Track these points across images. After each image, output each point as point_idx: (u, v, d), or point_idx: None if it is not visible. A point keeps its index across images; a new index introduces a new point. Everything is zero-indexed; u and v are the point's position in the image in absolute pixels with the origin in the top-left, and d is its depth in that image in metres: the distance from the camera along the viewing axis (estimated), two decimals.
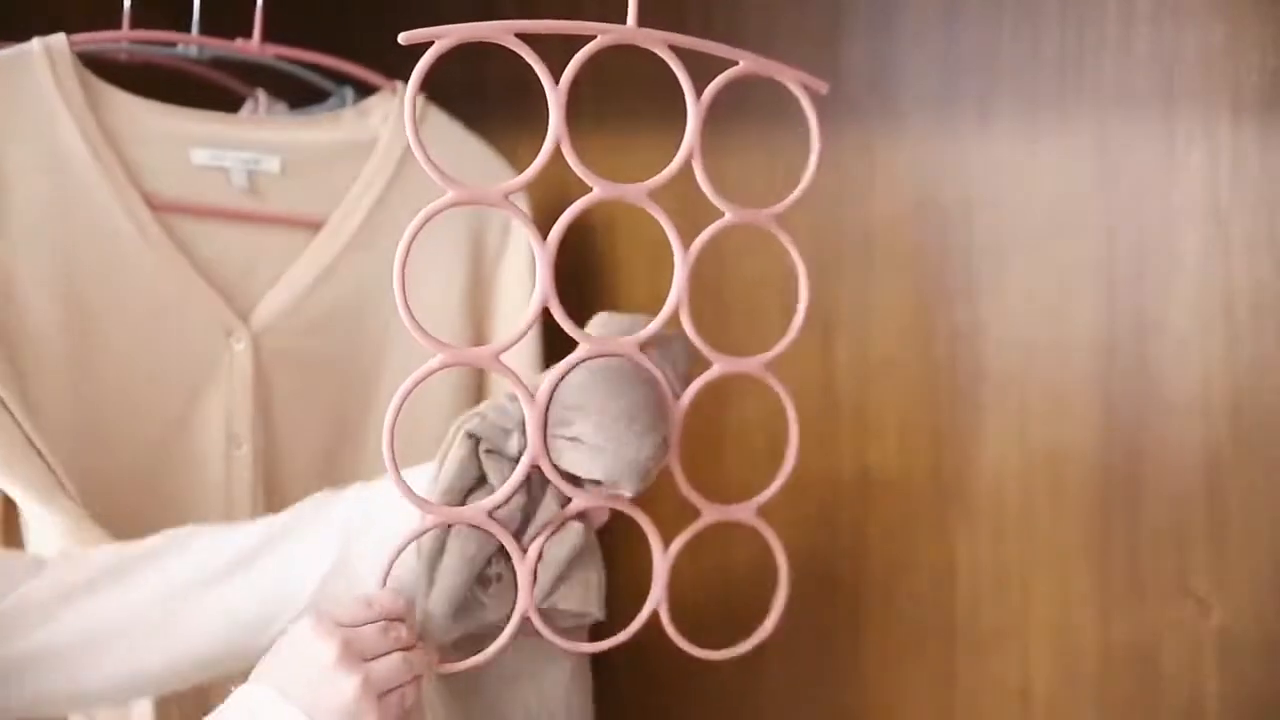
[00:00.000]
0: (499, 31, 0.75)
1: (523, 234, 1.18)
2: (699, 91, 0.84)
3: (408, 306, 0.77)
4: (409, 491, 0.80)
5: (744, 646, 0.93)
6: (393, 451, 0.78)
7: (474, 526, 0.82)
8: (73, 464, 0.99)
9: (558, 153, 0.80)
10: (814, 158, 0.88)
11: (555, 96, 0.78)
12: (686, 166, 0.84)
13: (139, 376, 1.04)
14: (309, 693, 0.75)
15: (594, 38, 0.80)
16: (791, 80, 0.87)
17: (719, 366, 0.88)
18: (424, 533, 0.82)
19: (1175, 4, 1.09)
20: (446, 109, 1.18)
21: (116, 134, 1.03)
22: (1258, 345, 1.07)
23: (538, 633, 0.85)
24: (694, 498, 0.89)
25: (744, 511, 0.92)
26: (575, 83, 0.79)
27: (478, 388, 1.16)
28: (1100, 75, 1.12)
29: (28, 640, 0.84)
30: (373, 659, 0.77)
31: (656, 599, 0.88)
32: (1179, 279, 1.09)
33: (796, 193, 0.89)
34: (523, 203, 1.13)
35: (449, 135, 1.17)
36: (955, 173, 1.18)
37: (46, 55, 1.01)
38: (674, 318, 0.86)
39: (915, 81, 1.20)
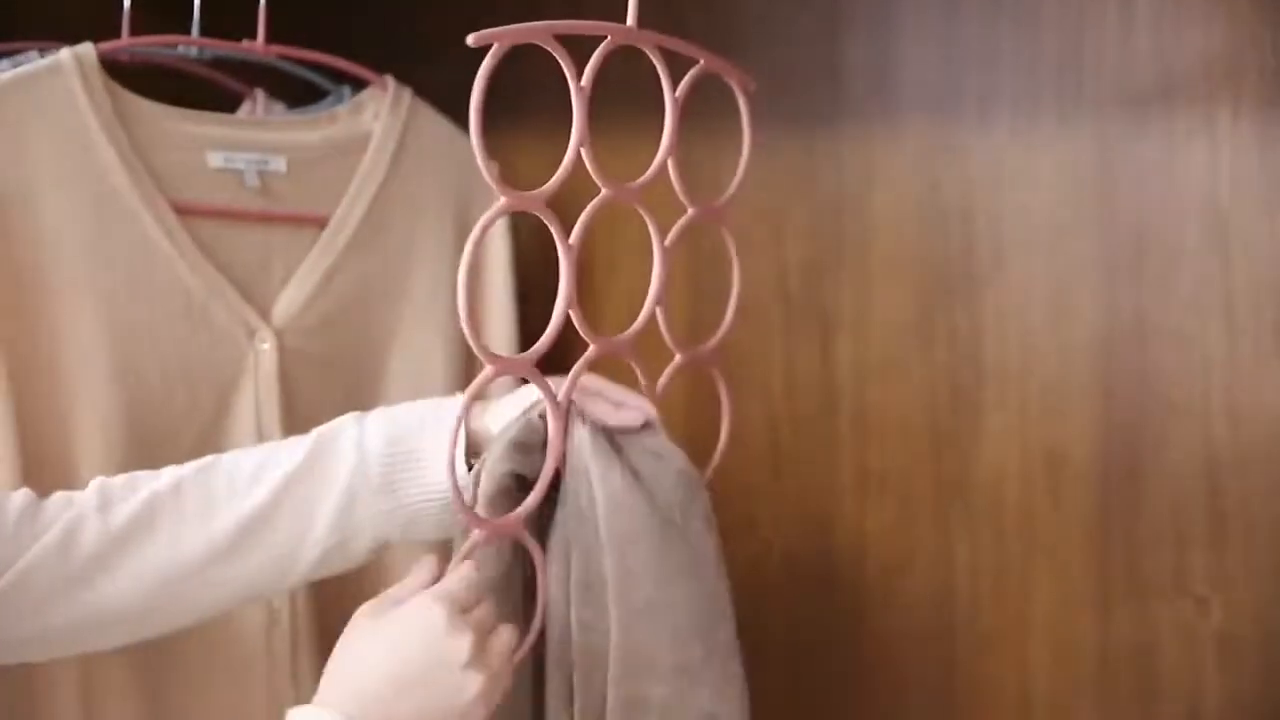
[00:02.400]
0: (542, 33, 0.77)
1: (500, 225, 1.19)
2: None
3: (471, 319, 0.77)
4: (462, 506, 0.80)
5: None
6: (453, 463, 0.79)
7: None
8: (112, 472, 1.00)
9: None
10: (745, 153, 0.92)
11: (580, 98, 0.80)
12: (688, 165, 0.85)
13: (174, 381, 1.05)
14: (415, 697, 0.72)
15: (601, 38, 0.82)
16: (731, 77, 0.90)
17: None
18: (474, 546, 0.82)
19: (1175, 4, 1.09)
20: (443, 109, 1.19)
21: (141, 141, 1.04)
22: (1258, 345, 1.07)
23: None
24: None
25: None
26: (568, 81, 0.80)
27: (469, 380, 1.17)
28: (1100, 75, 1.12)
29: (33, 621, 0.82)
30: (489, 644, 0.75)
31: None
32: (1179, 279, 1.09)
33: (733, 187, 0.93)
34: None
35: (437, 132, 1.18)
36: (955, 172, 1.19)
37: (78, 66, 1.02)
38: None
39: (915, 81, 1.20)
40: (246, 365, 1.08)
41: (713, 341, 0.94)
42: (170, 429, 1.04)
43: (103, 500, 0.84)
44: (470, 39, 0.75)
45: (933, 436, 1.20)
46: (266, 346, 1.08)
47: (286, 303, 1.10)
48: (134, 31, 1.13)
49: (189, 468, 0.87)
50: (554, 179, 0.80)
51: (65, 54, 1.03)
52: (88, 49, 1.03)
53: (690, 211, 0.90)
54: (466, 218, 1.19)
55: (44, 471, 0.98)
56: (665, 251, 0.88)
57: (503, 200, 0.79)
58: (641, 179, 0.86)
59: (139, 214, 1.03)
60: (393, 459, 0.86)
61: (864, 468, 1.24)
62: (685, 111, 0.86)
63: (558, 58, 0.78)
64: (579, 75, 0.79)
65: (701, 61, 0.88)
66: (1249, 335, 1.07)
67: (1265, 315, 1.06)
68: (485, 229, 0.77)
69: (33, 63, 1.03)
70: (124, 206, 1.02)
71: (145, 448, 1.02)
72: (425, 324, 1.17)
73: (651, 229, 0.87)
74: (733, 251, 0.93)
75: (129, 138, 1.03)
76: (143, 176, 1.04)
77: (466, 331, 0.77)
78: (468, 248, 0.76)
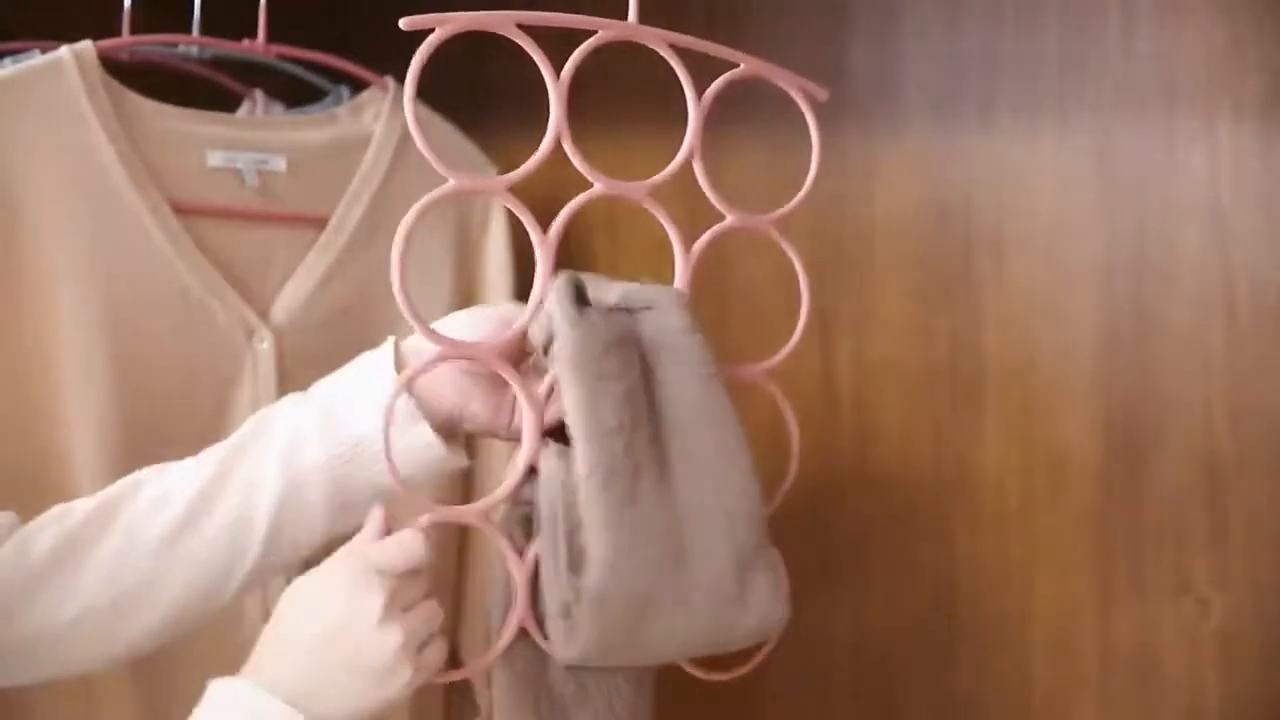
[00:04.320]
0: (501, 21, 0.75)
1: (501, 224, 1.18)
2: (699, 92, 0.84)
3: (408, 299, 0.77)
4: (402, 488, 0.79)
5: (746, 668, 0.93)
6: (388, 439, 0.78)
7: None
8: (113, 475, 1.00)
9: (553, 150, 0.80)
10: (814, 163, 0.88)
11: (556, 90, 0.78)
12: (687, 166, 0.84)
13: (171, 379, 1.05)
14: (326, 668, 0.70)
15: (594, 33, 0.80)
16: (792, 85, 0.87)
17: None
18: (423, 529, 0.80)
19: (1176, 5, 1.09)
20: (444, 108, 1.19)
21: (140, 140, 1.04)
22: (1258, 345, 1.07)
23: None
24: None
25: None
26: (574, 79, 0.79)
27: None
28: (1101, 76, 1.12)
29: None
30: (409, 609, 0.73)
31: None
32: (1179, 279, 1.09)
33: (797, 200, 0.89)
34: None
35: (439, 128, 1.18)
36: (956, 173, 1.19)
37: (77, 64, 1.02)
38: None
39: (917, 82, 1.20)
40: (244, 364, 1.08)
41: (774, 360, 0.91)
42: (167, 426, 1.04)
43: (61, 511, 0.83)
44: (404, 22, 0.73)
45: (933, 436, 1.20)
46: (265, 345, 1.08)
47: (285, 302, 1.10)
48: (134, 31, 1.13)
49: (142, 472, 0.85)
50: (523, 167, 0.78)
51: (64, 51, 1.03)
52: (87, 47, 1.03)
53: (729, 219, 0.86)
54: (465, 219, 1.19)
55: (39, 468, 0.98)
56: (689, 258, 0.85)
57: (450, 182, 0.77)
58: (654, 178, 0.83)
59: (137, 212, 1.03)
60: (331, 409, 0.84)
61: (864, 467, 1.24)
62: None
63: (528, 50, 0.76)
64: (556, 71, 0.78)
65: (742, 65, 0.85)
66: (1249, 335, 1.07)
67: (1265, 315, 1.07)
68: (424, 208, 0.76)
69: (31, 59, 1.03)
70: (123, 204, 1.02)
71: (142, 444, 1.02)
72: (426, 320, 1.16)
73: (672, 233, 0.84)
74: (800, 268, 0.90)
75: (128, 136, 1.03)
76: (142, 175, 1.03)
77: (402, 306, 0.76)
78: (403, 225, 0.75)
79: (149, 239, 1.03)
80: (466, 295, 1.19)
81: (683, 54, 0.83)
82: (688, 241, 0.85)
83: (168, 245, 1.04)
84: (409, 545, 0.75)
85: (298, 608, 0.74)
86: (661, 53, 0.82)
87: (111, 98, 1.03)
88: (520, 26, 0.77)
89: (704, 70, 0.84)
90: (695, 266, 0.85)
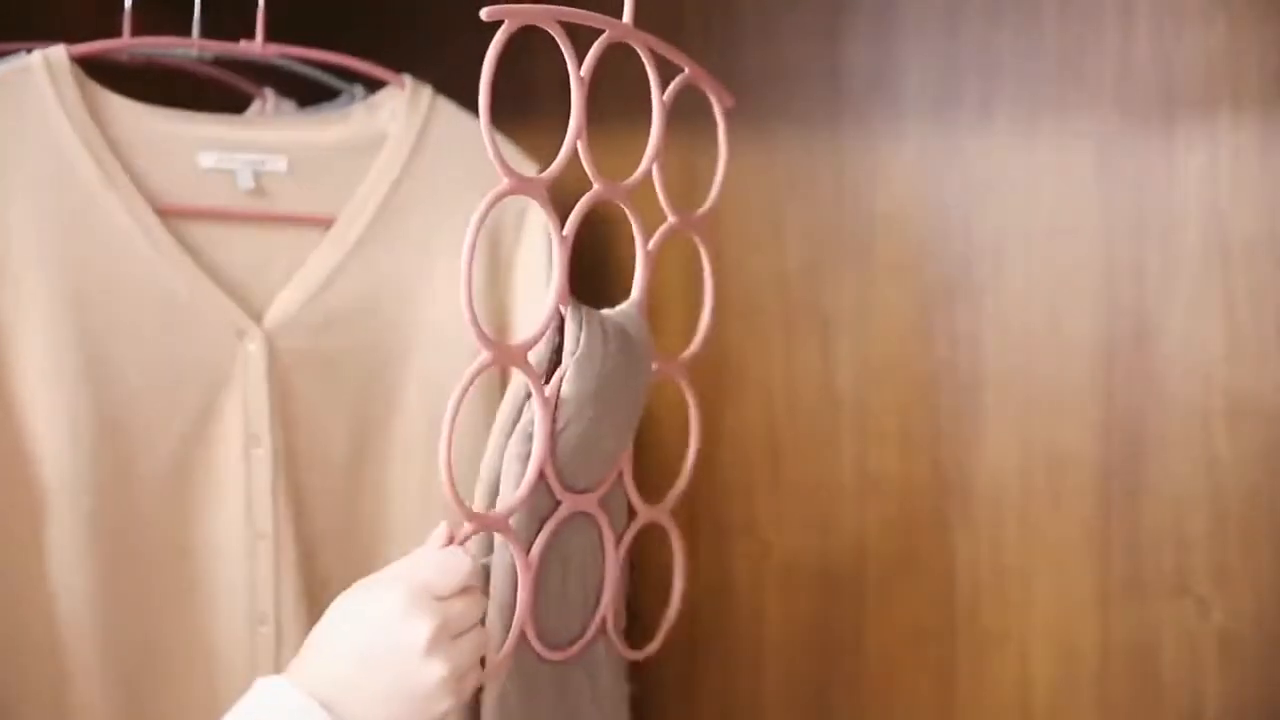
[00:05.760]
0: (543, 15, 0.78)
1: (538, 228, 1.17)
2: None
3: (471, 303, 0.77)
4: (456, 497, 0.78)
5: (650, 648, 0.97)
6: (449, 455, 0.76)
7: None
8: (93, 475, 1.00)
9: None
10: (721, 167, 0.93)
11: (579, 88, 0.81)
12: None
13: (155, 384, 1.05)
14: (368, 686, 0.70)
15: (600, 33, 0.83)
16: (710, 91, 0.92)
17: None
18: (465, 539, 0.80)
19: (1175, 4, 1.09)
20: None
21: (120, 142, 1.04)
22: (1258, 345, 1.07)
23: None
24: (633, 497, 0.93)
25: (659, 512, 0.96)
26: (563, 77, 0.81)
27: (501, 382, 1.16)
28: (1100, 75, 1.12)
29: None
30: (459, 636, 0.72)
31: (606, 603, 0.91)
32: (1179, 279, 1.09)
33: (710, 202, 0.95)
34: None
35: (460, 130, 1.16)
36: (955, 172, 1.19)
37: (47, 69, 1.02)
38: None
39: (916, 81, 1.20)
40: (234, 366, 1.07)
41: (685, 354, 0.95)
42: (149, 432, 1.04)
43: None
44: (484, 13, 0.75)
45: (933, 436, 1.20)
46: (254, 347, 1.07)
47: (282, 304, 1.09)
48: (136, 31, 1.12)
49: None
50: (554, 165, 0.81)
51: (35, 56, 1.02)
52: (58, 51, 1.03)
53: (670, 220, 0.91)
54: (496, 215, 1.17)
55: (6, 467, 0.98)
56: (648, 255, 0.89)
57: (505, 183, 0.79)
58: (629, 180, 0.87)
59: (115, 215, 1.02)
60: None
61: (864, 468, 1.24)
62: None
63: (559, 41, 0.79)
64: (579, 65, 0.80)
65: (686, 70, 0.89)
66: (1249, 335, 1.07)
67: (1265, 315, 1.06)
68: (487, 210, 0.77)
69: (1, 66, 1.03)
70: (99, 208, 1.02)
71: (122, 450, 1.03)
72: (449, 323, 1.15)
73: (636, 231, 0.89)
74: (707, 264, 0.94)
75: (106, 139, 1.02)
76: (119, 178, 1.03)
77: (466, 315, 0.77)
78: (471, 226, 0.76)
79: (125, 241, 1.02)
80: (499, 296, 1.17)
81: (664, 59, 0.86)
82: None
83: (146, 247, 1.03)
84: (455, 564, 0.74)
85: (350, 619, 0.73)
86: (643, 56, 0.85)
87: (88, 102, 1.03)
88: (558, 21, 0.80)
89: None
90: (653, 265, 0.90)
